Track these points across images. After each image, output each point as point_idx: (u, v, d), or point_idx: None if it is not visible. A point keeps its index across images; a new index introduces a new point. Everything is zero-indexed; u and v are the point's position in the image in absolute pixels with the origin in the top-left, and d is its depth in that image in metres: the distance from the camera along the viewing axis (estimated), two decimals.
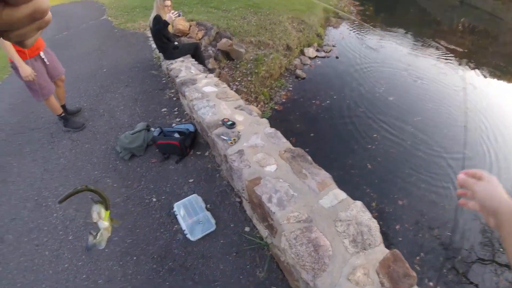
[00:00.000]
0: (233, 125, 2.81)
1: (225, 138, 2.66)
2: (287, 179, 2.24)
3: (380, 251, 1.80)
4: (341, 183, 4.22)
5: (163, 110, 4.23)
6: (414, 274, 1.68)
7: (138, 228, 2.67)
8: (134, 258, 2.49)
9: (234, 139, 2.64)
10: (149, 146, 3.54)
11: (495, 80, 8.89)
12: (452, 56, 10.43)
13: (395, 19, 17.19)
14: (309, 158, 2.50)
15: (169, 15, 4.49)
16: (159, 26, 4.56)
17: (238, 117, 2.99)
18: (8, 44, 3.18)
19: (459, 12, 31.21)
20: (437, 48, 11.13)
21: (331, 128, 5.57)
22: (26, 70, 3.32)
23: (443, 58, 10.02)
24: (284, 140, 2.65)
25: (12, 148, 4.27)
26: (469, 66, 9.65)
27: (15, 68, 3.36)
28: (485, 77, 9.10)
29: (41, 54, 3.67)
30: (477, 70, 9.40)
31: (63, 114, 4.09)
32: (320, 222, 1.94)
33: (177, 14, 4.55)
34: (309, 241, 1.82)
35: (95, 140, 3.91)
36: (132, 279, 2.37)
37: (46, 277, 2.47)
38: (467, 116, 5.95)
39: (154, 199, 2.90)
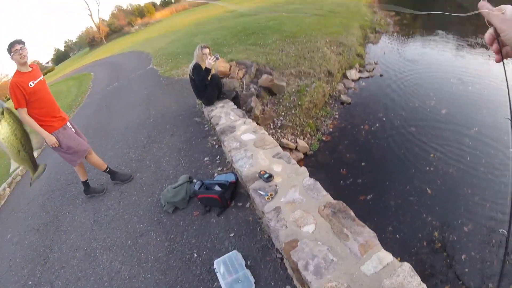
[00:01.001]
0: (270, 177, 2.68)
1: (262, 193, 2.54)
2: (326, 241, 2.03)
3: None
4: (399, 214, 3.93)
5: (205, 159, 4.24)
6: None
7: (179, 284, 2.61)
8: None
9: (271, 194, 2.50)
10: (191, 198, 3.54)
11: None
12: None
13: (434, 22, 16.29)
14: (352, 213, 2.25)
15: (208, 61, 4.67)
16: (202, 77, 4.78)
17: (276, 168, 2.86)
18: (29, 120, 3.48)
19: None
20: (482, 45, 10.21)
21: (383, 153, 5.25)
22: (50, 139, 3.59)
23: (491, 55, 9.15)
24: (324, 193, 2.44)
25: (66, 199, 4.60)
26: None
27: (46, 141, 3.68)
28: None
29: (68, 123, 3.92)
30: None
31: (108, 169, 4.30)
32: None
33: (215, 58, 4.70)
34: None
35: (142, 192, 4.02)
36: None
37: None
38: None
39: (195, 255, 2.83)
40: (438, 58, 9.36)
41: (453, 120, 5.69)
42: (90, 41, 50.43)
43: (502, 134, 5.11)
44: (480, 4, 0.75)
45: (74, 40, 74.23)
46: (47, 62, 72.25)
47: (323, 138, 5.78)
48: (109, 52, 26.05)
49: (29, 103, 3.50)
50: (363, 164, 5.00)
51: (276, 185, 2.60)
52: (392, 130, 5.74)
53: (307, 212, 2.27)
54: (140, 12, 55.15)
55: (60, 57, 72.36)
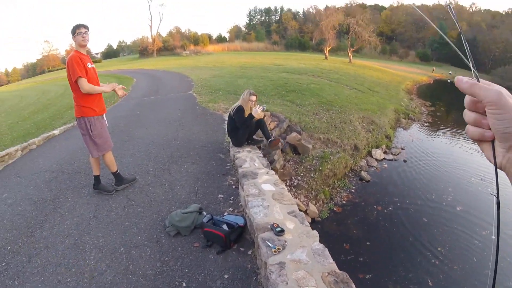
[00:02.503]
0: (281, 232, 2.74)
1: (270, 245, 2.59)
2: None
3: None
4: None
5: (220, 196, 4.30)
6: None
7: None
8: None
9: (278, 248, 2.55)
10: (196, 228, 3.54)
11: None
12: None
13: None
14: (353, 286, 2.28)
15: (255, 110, 4.98)
16: (243, 120, 5.04)
17: (289, 224, 2.92)
18: (92, 86, 3.76)
19: None
20: None
21: (391, 237, 5.25)
22: (112, 86, 4.07)
23: None
24: (331, 260, 2.49)
25: (73, 185, 4.66)
26: None
27: (80, 123, 3.91)
28: None
29: (104, 115, 4.14)
30: None
31: (118, 172, 4.40)
32: None
33: (262, 109, 5.02)
34: None
35: (149, 207, 4.03)
36: None
37: None
38: None
39: (184, 284, 2.79)
40: (463, 154, 9.55)
41: (466, 219, 5.74)
42: (141, 50, 52.76)
43: None
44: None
45: (127, 43, 78.23)
46: (97, 53, 75.88)
47: (334, 209, 5.80)
48: (156, 66, 27.21)
49: None
50: (367, 243, 4.99)
51: (285, 241, 2.66)
52: (404, 217, 5.77)
53: (311, 275, 2.31)
54: (195, 40, 58.00)
55: (109, 53, 75.88)
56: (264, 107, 5.06)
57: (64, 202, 4.21)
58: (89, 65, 3.79)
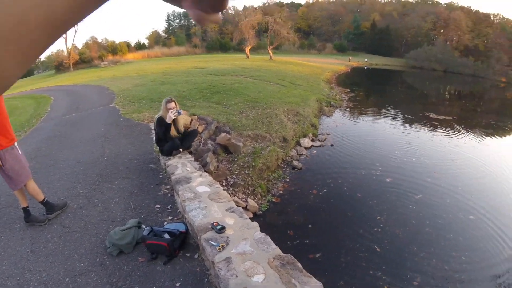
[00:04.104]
0: (222, 229, 2.80)
1: (213, 243, 2.64)
2: None
3: None
4: (350, 270, 4.21)
5: (156, 206, 4.24)
6: None
7: None
8: None
9: (222, 245, 2.61)
10: (138, 243, 3.47)
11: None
12: (444, 126, 11.13)
13: (384, 100, 18.49)
14: (299, 265, 2.44)
15: (169, 115, 4.82)
16: (163, 129, 4.93)
17: (229, 221, 2.99)
18: None
19: (444, 81, 33.65)
20: (428, 121, 11.84)
21: (331, 216, 5.57)
22: None
23: (436, 130, 10.67)
24: (274, 246, 2.61)
25: (3, 221, 4.26)
26: (460, 132, 10.40)
27: None
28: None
29: (16, 144, 3.80)
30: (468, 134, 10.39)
31: (45, 200, 4.12)
32: None
33: (176, 113, 4.87)
34: None
35: (86, 230, 3.86)
36: None
37: None
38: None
39: None
40: (385, 132, 10.54)
41: (397, 188, 6.37)
42: (57, 64, 48.81)
43: (445, 198, 5.99)
44: None
45: (42, 59, 71.80)
46: None
47: (273, 200, 5.98)
48: (74, 81, 25.42)
49: None
50: (309, 226, 5.24)
51: (227, 237, 2.72)
52: (340, 195, 6.18)
53: (258, 263, 2.40)
54: (113, 49, 54.99)
55: None
56: (180, 111, 4.94)
57: None
58: None
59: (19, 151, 3.85)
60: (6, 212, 4.49)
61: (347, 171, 7.19)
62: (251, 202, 5.53)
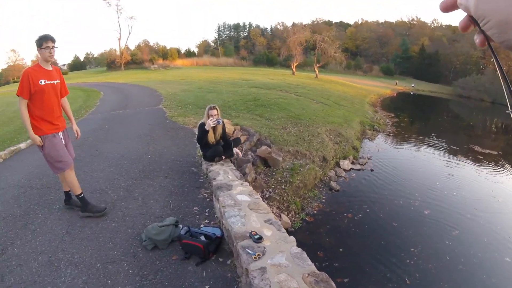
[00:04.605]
0: (260, 239, 2.83)
1: (250, 252, 2.67)
2: None
3: None
4: None
5: (194, 208, 4.32)
6: None
7: None
8: None
9: (258, 254, 2.64)
10: (173, 241, 3.53)
11: None
12: (489, 160, 10.61)
13: (429, 128, 17.86)
14: (333, 284, 2.42)
15: (208, 122, 4.97)
16: (201, 134, 5.09)
17: (266, 232, 3.02)
18: (23, 111, 3.52)
19: (491, 113, 31.95)
20: (472, 154, 11.33)
21: (363, 242, 5.48)
22: (33, 137, 3.59)
23: (479, 164, 10.19)
24: (310, 262, 2.61)
25: (43, 200, 4.48)
26: (505, 168, 9.97)
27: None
28: None
29: (60, 134, 3.84)
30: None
31: (82, 195, 4.03)
32: None
33: (216, 122, 5.00)
34: None
35: (123, 222, 3.98)
36: None
37: None
38: None
39: None
40: (427, 162, 10.21)
41: (435, 221, 6.15)
42: (109, 62, 51.61)
43: (483, 236, 5.74)
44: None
45: (95, 55, 76.17)
46: (63, 65, 73.19)
47: (306, 218, 5.94)
48: (124, 79, 26.74)
49: (32, 97, 3.52)
50: (340, 250, 5.17)
51: (264, 247, 2.75)
52: (375, 222, 6.05)
53: (292, 277, 2.41)
54: (163, 54, 57.51)
55: (76, 65, 73.57)
56: (220, 120, 5.05)
57: (35, 218, 4.06)
58: (43, 82, 3.52)
59: (63, 140, 3.87)
60: (47, 192, 4.75)
61: (385, 199, 7.02)
62: (284, 218, 5.53)
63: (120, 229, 3.82)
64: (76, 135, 4.14)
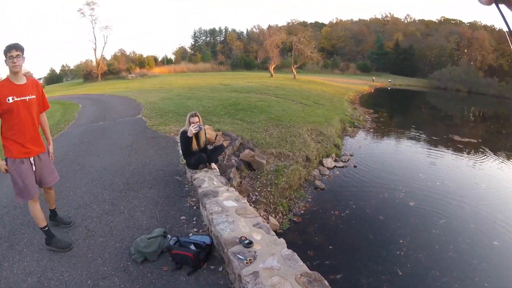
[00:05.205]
0: (250, 244, 2.85)
1: (241, 257, 2.69)
2: None
3: None
4: None
5: (182, 217, 4.30)
6: None
7: None
8: None
9: (250, 259, 2.66)
10: (163, 253, 3.51)
11: None
12: (469, 148, 10.94)
13: (408, 121, 18.36)
14: (326, 283, 2.45)
15: (190, 129, 4.95)
16: (185, 143, 5.08)
17: (256, 236, 3.04)
18: None
19: (468, 102, 32.98)
20: (452, 143, 11.69)
21: (352, 238, 5.56)
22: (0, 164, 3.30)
23: (460, 153, 10.50)
24: (301, 263, 2.64)
25: (27, 219, 4.33)
26: (485, 155, 10.14)
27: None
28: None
29: (31, 159, 3.43)
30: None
31: (46, 228, 3.65)
32: None
33: (198, 128, 4.98)
34: None
35: (111, 236, 3.94)
36: None
37: None
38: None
39: None
40: (409, 154, 10.48)
41: (421, 212, 6.32)
42: (86, 74, 50.68)
43: (469, 223, 5.93)
44: None
45: (71, 67, 74.37)
46: (40, 79, 71.46)
47: (294, 219, 5.98)
48: (101, 91, 26.24)
49: (1, 116, 3.20)
50: (330, 247, 5.23)
51: (255, 252, 2.77)
52: (362, 217, 6.15)
53: (285, 279, 2.43)
54: (140, 62, 56.82)
55: (53, 78, 71.38)
56: (201, 126, 5.05)
57: (21, 238, 3.97)
58: (11, 100, 3.14)
59: (33, 167, 3.47)
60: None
61: (370, 193, 7.15)
62: (272, 220, 5.55)
63: (108, 243, 3.78)
64: (50, 158, 3.74)
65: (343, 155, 9.53)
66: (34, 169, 3.46)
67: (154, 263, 3.40)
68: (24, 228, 4.19)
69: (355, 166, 8.72)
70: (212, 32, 79.99)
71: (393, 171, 8.62)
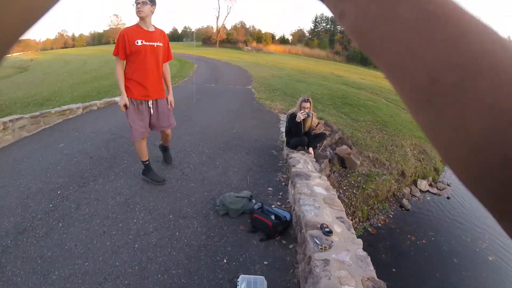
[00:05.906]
0: (330, 233, 2.94)
1: (317, 242, 2.80)
2: None
3: None
4: None
5: (269, 189, 4.47)
6: None
7: (199, 277, 2.70)
8: None
9: (325, 246, 2.76)
10: (244, 213, 3.69)
11: None
12: None
13: None
14: None
15: (298, 115, 5.05)
16: (293, 127, 5.20)
17: (337, 228, 3.12)
18: (118, 72, 3.48)
19: None
20: None
21: (419, 269, 5.31)
22: (123, 98, 3.51)
23: None
24: (372, 268, 2.67)
25: (131, 149, 4.86)
26: None
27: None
28: None
29: (149, 103, 3.71)
30: None
31: (147, 162, 4.03)
32: None
33: (306, 115, 5.05)
34: None
35: (202, 184, 4.24)
36: None
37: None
38: None
39: (225, 261, 2.94)
40: None
41: (498, 270, 5.73)
42: (205, 38, 54.25)
43: None
44: None
45: (192, 30, 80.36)
46: None
47: (369, 229, 5.89)
48: (217, 56, 27.88)
49: (128, 58, 3.45)
50: (393, 270, 5.09)
51: (332, 242, 2.86)
52: (436, 252, 5.79)
53: (352, 276, 2.51)
54: (258, 37, 58.70)
55: (174, 36, 78.29)
56: (310, 114, 5.06)
57: (120, 163, 4.46)
58: (139, 42, 3.38)
59: (151, 110, 3.75)
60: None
61: (453, 232, 6.63)
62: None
63: (198, 190, 4.08)
64: (169, 106, 4.04)
65: (439, 181, 8.85)
66: (151, 113, 3.75)
67: (233, 220, 3.60)
68: (126, 156, 4.72)
69: (448, 198, 8.07)
70: (334, 20, 77.73)
71: (486, 216, 7.75)
